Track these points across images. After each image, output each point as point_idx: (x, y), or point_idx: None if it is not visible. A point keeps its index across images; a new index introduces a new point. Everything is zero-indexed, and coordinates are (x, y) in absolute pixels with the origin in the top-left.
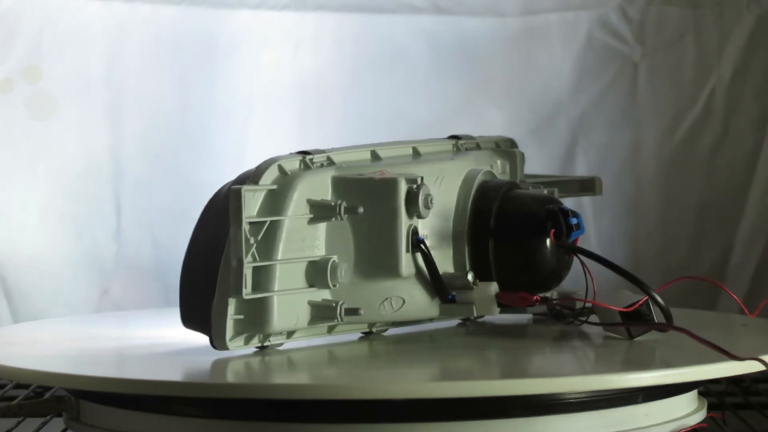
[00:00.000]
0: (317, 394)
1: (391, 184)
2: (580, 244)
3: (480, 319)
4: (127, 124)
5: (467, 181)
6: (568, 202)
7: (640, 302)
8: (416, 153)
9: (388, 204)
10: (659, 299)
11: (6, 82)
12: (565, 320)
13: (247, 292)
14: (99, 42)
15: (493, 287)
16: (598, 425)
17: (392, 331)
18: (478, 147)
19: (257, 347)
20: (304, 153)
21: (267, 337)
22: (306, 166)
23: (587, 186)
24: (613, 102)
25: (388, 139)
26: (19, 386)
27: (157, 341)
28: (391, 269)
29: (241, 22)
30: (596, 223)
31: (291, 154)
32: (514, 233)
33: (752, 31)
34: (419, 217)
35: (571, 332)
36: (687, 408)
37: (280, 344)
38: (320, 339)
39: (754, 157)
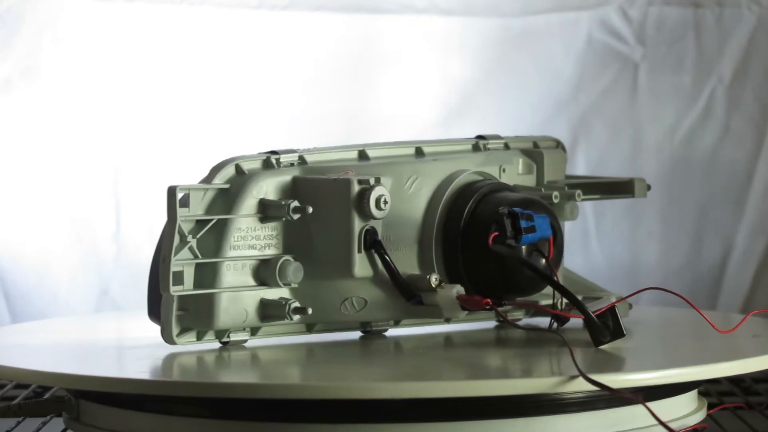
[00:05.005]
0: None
1: (343, 184)
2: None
3: (519, 322)
4: (127, 124)
5: (446, 182)
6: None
7: (603, 309)
8: (420, 153)
9: (341, 205)
10: (592, 315)
11: (6, 82)
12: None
13: (175, 289)
14: (99, 42)
15: (456, 290)
16: (598, 425)
17: (404, 332)
18: (506, 147)
19: (222, 342)
20: (272, 153)
21: (223, 333)
22: (269, 166)
23: (626, 188)
24: (613, 102)
25: None
26: (19, 386)
27: (156, 341)
28: (345, 270)
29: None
30: (597, 223)
31: (259, 153)
32: (475, 236)
33: (753, 31)
34: (372, 218)
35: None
36: (687, 408)
37: (244, 341)
38: (318, 338)
39: (754, 157)
